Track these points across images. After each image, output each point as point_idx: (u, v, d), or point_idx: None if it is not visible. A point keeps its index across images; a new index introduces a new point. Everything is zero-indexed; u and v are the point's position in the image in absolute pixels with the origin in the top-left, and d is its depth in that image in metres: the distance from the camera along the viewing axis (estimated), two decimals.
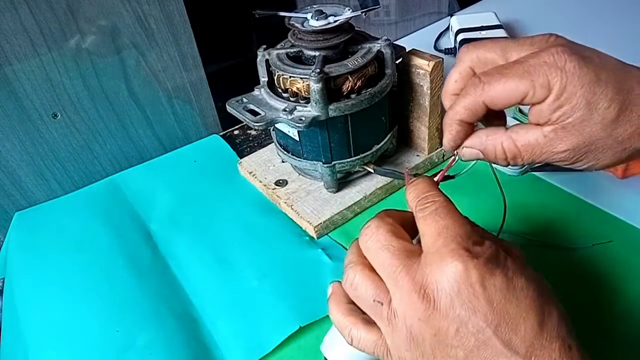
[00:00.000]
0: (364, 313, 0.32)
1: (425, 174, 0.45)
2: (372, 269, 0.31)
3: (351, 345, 0.32)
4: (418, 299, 0.28)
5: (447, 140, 0.35)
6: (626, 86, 0.30)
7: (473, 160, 0.36)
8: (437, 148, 0.63)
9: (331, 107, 0.52)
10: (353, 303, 0.33)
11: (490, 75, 0.32)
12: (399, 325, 0.29)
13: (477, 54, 0.33)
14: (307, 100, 0.52)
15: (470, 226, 0.30)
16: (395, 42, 0.58)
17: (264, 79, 0.57)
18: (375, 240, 0.31)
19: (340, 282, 0.35)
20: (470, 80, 0.33)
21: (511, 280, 0.28)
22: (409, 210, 0.33)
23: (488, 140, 0.34)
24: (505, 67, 0.32)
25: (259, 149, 0.69)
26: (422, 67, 0.56)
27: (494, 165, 0.41)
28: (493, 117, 0.36)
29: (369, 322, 0.32)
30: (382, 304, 0.30)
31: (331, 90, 0.52)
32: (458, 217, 0.30)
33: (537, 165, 0.60)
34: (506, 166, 0.34)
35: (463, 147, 0.35)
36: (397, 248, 0.30)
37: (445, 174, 0.42)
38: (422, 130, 0.61)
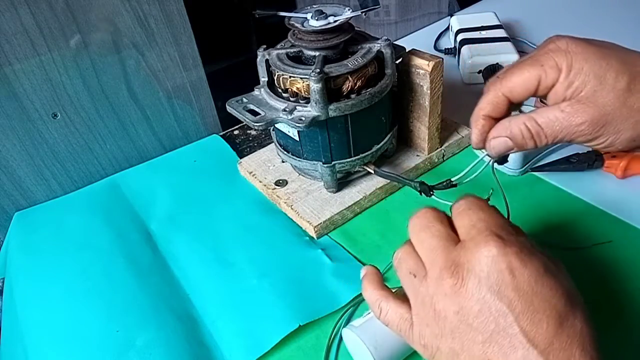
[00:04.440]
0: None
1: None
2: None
3: (378, 318, 0.35)
4: (448, 275, 0.30)
5: (475, 136, 0.38)
6: (630, 59, 0.33)
7: (503, 152, 0.38)
8: (437, 148, 0.63)
9: (331, 107, 0.52)
10: (385, 285, 0.36)
11: (505, 71, 0.36)
12: (426, 299, 0.31)
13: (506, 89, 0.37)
14: (307, 100, 0.52)
15: (503, 219, 0.32)
16: (395, 42, 0.58)
17: (264, 79, 0.57)
18: (422, 220, 0.33)
19: (373, 266, 0.38)
20: (490, 80, 0.37)
21: (542, 276, 0.29)
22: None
23: (512, 124, 0.36)
24: (519, 61, 0.36)
25: (259, 149, 0.69)
26: (422, 67, 0.56)
27: (494, 166, 0.41)
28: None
29: (399, 299, 0.34)
30: (415, 277, 0.32)
31: (331, 90, 0.52)
32: (492, 211, 0.33)
33: (537, 165, 0.60)
34: (533, 148, 0.36)
35: (491, 140, 0.37)
36: (438, 230, 0.32)
37: (451, 182, 0.44)
38: (422, 130, 0.61)
